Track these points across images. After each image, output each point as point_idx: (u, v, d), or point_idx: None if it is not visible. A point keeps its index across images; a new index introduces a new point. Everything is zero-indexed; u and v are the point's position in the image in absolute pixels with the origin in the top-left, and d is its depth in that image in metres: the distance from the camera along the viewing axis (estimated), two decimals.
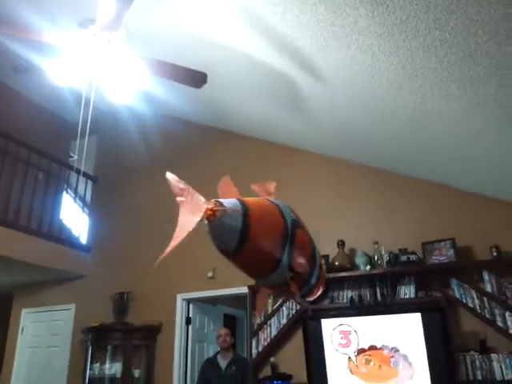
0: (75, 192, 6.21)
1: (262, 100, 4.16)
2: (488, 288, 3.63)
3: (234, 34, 3.15)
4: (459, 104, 2.79)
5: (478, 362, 3.42)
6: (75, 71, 2.88)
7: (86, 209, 6.38)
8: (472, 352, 3.49)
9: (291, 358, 4.18)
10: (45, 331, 5.89)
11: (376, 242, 4.15)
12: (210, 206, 1.34)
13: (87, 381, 5.02)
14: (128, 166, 6.10)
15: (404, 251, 3.99)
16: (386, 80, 2.86)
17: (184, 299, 5.12)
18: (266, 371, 4.31)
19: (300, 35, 2.77)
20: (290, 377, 4.10)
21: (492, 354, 3.42)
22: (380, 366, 3.56)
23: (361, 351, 3.66)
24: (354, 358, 3.66)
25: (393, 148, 4.02)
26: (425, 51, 2.41)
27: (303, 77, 3.31)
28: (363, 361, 3.63)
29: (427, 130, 3.37)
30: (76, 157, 6.00)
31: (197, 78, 2.73)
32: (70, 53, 2.73)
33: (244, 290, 4.53)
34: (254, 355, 4.28)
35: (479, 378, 3.39)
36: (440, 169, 4.05)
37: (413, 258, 3.92)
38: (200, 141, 5.66)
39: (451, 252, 3.84)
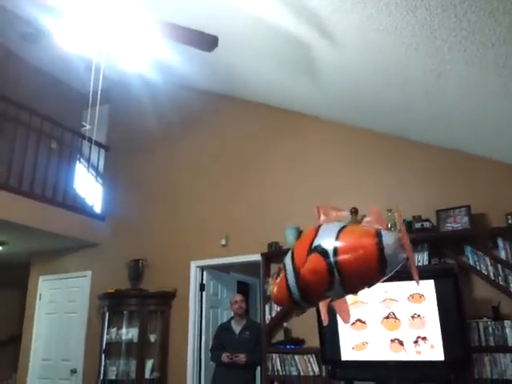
0: (88, 161, 6.23)
1: (273, 65, 4.08)
2: (502, 255, 3.60)
3: None
4: (479, 66, 2.70)
5: (490, 329, 3.42)
6: (84, 37, 2.83)
7: (99, 178, 6.42)
8: (485, 318, 3.49)
9: (304, 323, 4.23)
10: (62, 298, 6.04)
11: (390, 210, 4.11)
12: None
13: (104, 345, 5.16)
14: (140, 135, 6.10)
15: (418, 219, 3.95)
16: (402, 41, 2.76)
17: (198, 266, 5.18)
18: (279, 336, 4.39)
19: None
20: (302, 341, 4.17)
21: (505, 321, 3.41)
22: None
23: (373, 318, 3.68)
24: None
25: (406, 113, 3.93)
26: (444, 10, 2.31)
27: (317, 40, 3.22)
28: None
29: (443, 94, 3.27)
30: (88, 126, 6.01)
31: (208, 41, 2.67)
32: (78, 16, 2.68)
33: (257, 257, 4.57)
34: (267, 321, 4.34)
35: (491, 343, 3.40)
36: (455, 134, 3.96)
37: (426, 225, 3.88)
38: (211, 109, 5.61)
39: (466, 219, 3.80)
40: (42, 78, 6.21)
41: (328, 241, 1.49)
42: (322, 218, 1.64)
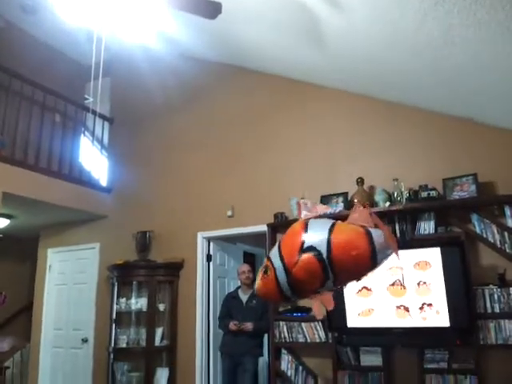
0: (93, 134, 6.22)
1: (278, 33, 4.00)
2: (509, 223, 3.59)
3: None
4: (488, 30, 2.64)
5: (496, 296, 3.45)
6: (85, 7, 2.78)
7: (104, 151, 6.41)
8: (491, 286, 3.51)
9: None
10: (71, 269, 6.13)
11: (396, 179, 4.10)
12: None
13: (115, 314, 5.27)
14: (144, 107, 6.05)
15: (424, 187, 3.93)
16: (410, 6, 2.70)
17: (204, 238, 5.22)
18: (286, 304, 4.45)
19: None
20: (309, 309, 4.23)
21: (511, 288, 3.43)
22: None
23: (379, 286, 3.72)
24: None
25: (413, 80, 3.86)
26: None
27: (323, 5, 3.15)
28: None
29: (451, 59, 3.20)
30: (91, 99, 5.95)
31: (211, 8, 2.61)
32: None
33: (263, 228, 4.59)
34: None
35: (497, 310, 3.43)
36: (462, 101, 3.89)
37: (433, 194, 3.87)
38: (215, 79, 5.54)
39: (473, 188, 3.78)
40: (43, 50, 6.14)
41: (320, 240, 1.54)
42: (304, 213, 1.67)
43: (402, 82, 3.99)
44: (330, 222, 1.61)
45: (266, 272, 1.61)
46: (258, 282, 1.63)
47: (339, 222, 1.62)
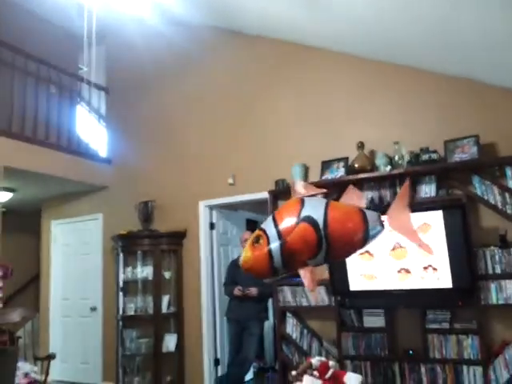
0: (89, 104, 6.14)
1: None
2: (510, 184, 3.59)
3: None
4: None
5: (497, 256, 3.49)
6: None
7: (102, 122, 6.34)
8: (492, 247, 3.55)
9: None
10: (76, 240, 6.19)
11: (397, 142, 4.07)
12: None
13: (121, 283, 5.36)
14: (140, 76, 5.93)
15: (425, 150, 3.91)
16: None
17: (206, 206, 5.24)
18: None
19: None
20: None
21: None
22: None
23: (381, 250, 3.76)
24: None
25: (414, 41, 3.77)
26: None
27: None
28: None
29: (453, 18, 3.12)
30: (86, 68, 5.84)
31: None
32: None
33: (264, 195, 4.60)
34: None
35: (498, 271, 3.48)
36: (464, 62, 3.81)
37: (434, 156, 3.85)
38: (211, 46, 5.40)
39: (474, 149, 3.75)
40: (34, 20, 5.97)
41: (316, 212, 1.57)
42: (300, 191, 1.70)
43: (401, 43, 3.90)
44: (325, 199, 1.67)
45: (257, 241, 1.60)
46: (246, 254, 1.61)
47: (333, 201, 1.68)
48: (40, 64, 5.37)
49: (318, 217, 1.55)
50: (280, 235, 1.56)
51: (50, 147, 5.27)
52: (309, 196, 1.69)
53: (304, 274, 1.65)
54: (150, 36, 5.64)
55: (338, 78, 4.63)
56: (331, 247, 1.56)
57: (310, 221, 1.55)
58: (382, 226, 1.66)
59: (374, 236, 1.63)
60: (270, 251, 1.56)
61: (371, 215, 1.64)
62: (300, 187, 1.75)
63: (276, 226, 1.58)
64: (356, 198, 1.70)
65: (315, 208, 1.59)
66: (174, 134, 5.60)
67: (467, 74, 3.94)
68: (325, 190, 1.81)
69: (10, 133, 4.85)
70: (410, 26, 3.49)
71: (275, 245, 1.56)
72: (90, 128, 6.28)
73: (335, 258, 1.75)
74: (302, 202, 1.63)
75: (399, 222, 1.72)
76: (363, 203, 1.70)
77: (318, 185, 3.99)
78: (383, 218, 1.69)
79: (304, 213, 1.57)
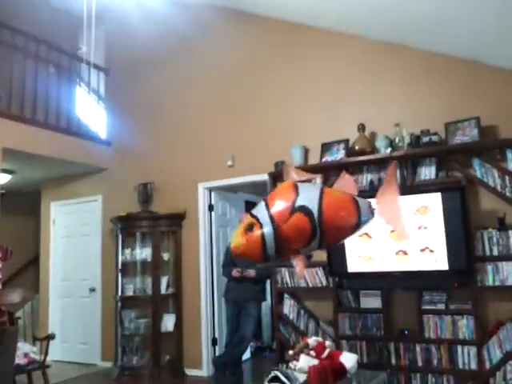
0: (88, 85, 6.09)
1: None
2: (511, 167, 3.58)
3: None
4: None
5: (495, 238, 3.50)
6: None
7: (101, 103, 6.31)
8: (490, 229, 3.55)
9: None
10: (75, 222, 6.20)
11: (397, 124, 4.05)
12: None
13: (120, 265, 5.38)
14: (140, 57, 5.87)
15: (426, 132, 3.89)
16: None
17: (205, 188, 5.24)
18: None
19: None
20: (310, 256, 4.29)
21: (510, 231, 3.48)
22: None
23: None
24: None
25: (415, 21, 3.72)
26: None
27: None
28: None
29: None
30: (85, 48, 5.78)
31: None
32: None
33: (263, 177, 4.59)
34: None
35: (495, 253, 3.49)
36: (466, 42, 3.77)
37: (434, 138, 3.83)
38: (213, 25, 5.33)
39: (475, 132, 3.74)
40: (33, 1, 5.89)
41: (311, 200, 1.60)
42: (293, 176, 1.72)
43: (402, 23, 3.85)
44: (319, 185, 1.69)
45: (250, 229, 1.60)
46: (238, 240, 1.60)
47: (327, 187, 1.73)
48: (39, 44, 5.32)
49: (313, 206, 1.57)
50: (273, 221, 1.57)
51: (49, 128, 5.24)
52: (302, 181, 1.70)
53: (296, 261, 1.68)
54: (150, 17, 5.58)
55: (338, 59, 4.60)
56: (324, 234, 1.58)
57: (305, 210, 1.56)
58: (373, 214, 1.72)
59: (365, 223, 1.69)
60: (263, 237, 1.56)
61: (363, 203, 1.68)
62: (292, 173, 1.76)
63: (270, 213, 1.59)
64: (349, 185, 1.72)
65: (310, 197, 1.60)
66: (173, 115, 5.58)
67: (468, 56, 3.91)
68: (314, 176, 1.81)
69: (8, 114, 4.82)
70: (412, 5, 3.45)
71: (269, 234, 1.55)
72: (90, 109, 6.24)
73: (327, 245, 1.78)
74: (296, 188, 1.63)
75: (387, 208, 1.74)
76: (356, 190, 1.73)
77: (316, 167, 4.06)
78: (374, 205, 1.73)
79: (299, 202, 1.57)
